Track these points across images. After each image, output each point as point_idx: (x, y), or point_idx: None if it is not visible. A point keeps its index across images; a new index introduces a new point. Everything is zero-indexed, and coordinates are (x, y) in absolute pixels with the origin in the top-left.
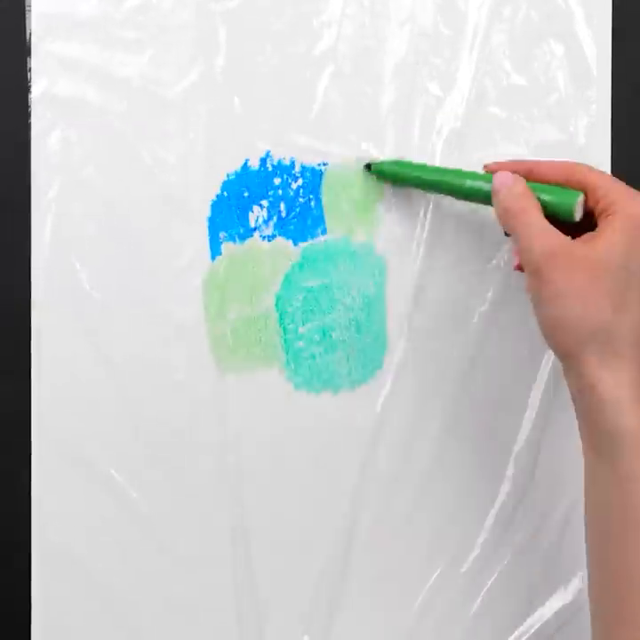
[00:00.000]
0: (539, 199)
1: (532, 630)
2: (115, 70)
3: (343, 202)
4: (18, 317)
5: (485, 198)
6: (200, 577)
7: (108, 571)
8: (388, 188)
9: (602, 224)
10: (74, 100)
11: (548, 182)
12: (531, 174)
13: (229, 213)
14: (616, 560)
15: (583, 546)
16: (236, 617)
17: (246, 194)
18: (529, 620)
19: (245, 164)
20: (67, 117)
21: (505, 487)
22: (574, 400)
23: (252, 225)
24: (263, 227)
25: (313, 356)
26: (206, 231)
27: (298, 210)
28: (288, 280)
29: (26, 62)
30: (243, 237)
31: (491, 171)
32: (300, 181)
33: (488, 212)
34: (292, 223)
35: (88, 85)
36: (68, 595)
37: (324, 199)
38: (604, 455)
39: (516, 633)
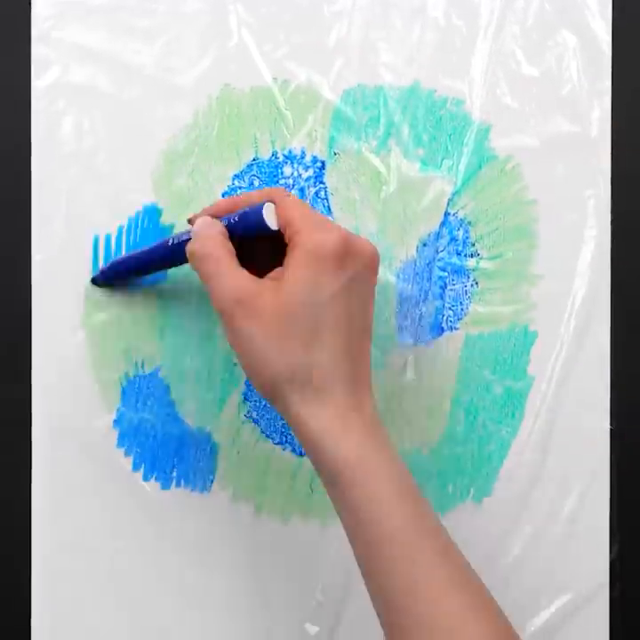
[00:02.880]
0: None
1: (541, 623)
2: (127, 58)
3: (353, 191)
4: (18, 317)
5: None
6: (207, 564)
7: (110, 567)
8: (395, 175)
9: (287, 258)
10: (86, 88)
11: None
12: (233, 211)
13: None
14: (368, 579)
15: (590, 540)
16: (246, 611)
17: (257, 183)
18: (536, 614)
19: (256, 153)
20: (79, 104)
21: (515, 480)
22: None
23: None
24: None
25: None
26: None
27: (308, 199)
28: None
29: (29, 56)
30: None
31: (193, 222)
32: (310, 171)
33: None
34: None
35: (100, 73)
36: (68, 594)
37: (334, 188)
38: (329, 486)
39: (524, 626)
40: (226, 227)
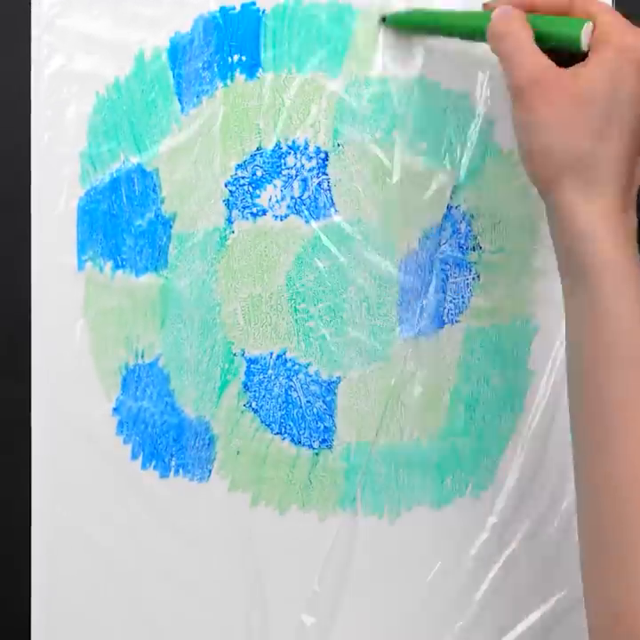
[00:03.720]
0: (543, 30)
1: (537, 619)
2: (131, 46)
3: (356, 182)
4: (17, 317)
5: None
6: (205, 553)
7: (109, 559)
8: (398, 167)
9: (592, 54)
10: (90, 76)
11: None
12: (533, 8)
13: (243, 192)
14: (589, 399)
15: None
16: (243, 601)
17: (260, 173)
18: (533, 610)
19: (260, 143)
20: (82, 93)
21: (514, 474)
22: (553, 236)
23: (265, 204)
24: (276, 206)
25: (323, 337)
26: (219, 210)
27: (311, 190)
28: (299, 260)
29: (29, 48)
30: (255, 216)
31: (489, 8)
32: (313, 162)
33: None
34: (304, 203)
35: (105, 61)
36: (68, 593)
37: (337, 180)
38: (579, 290)
39: (525, 619)
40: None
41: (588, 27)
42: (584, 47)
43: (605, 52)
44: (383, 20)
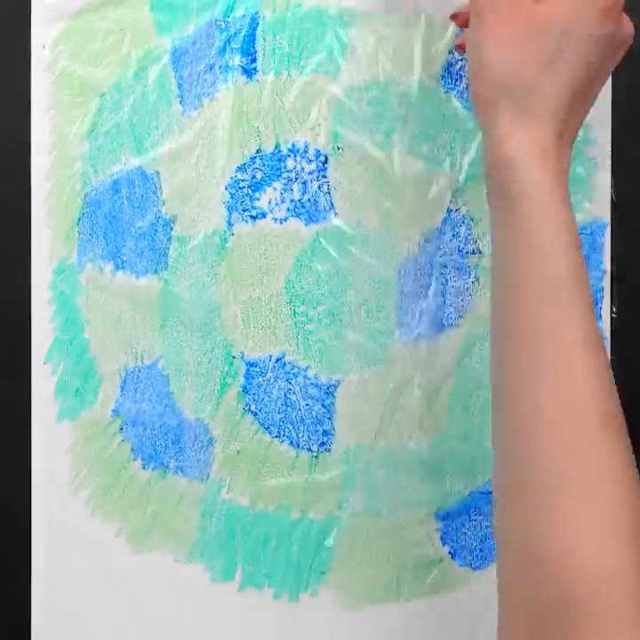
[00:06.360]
0: None
1: None
2: (133, 48)
3: (356, 186)
4: (18, 317)
5: None
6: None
7: (109, 561)
8: (398, 171)
9: None
10: (92, 78)
11: None
12: None
13: (243, 195)
14: (510, 317)
15: None
16: (242, 595)
17: (260, 176)
18: None
19: (260, 146)
20: (84, 94)
21: None
22: (485, 160)
23: (265, 207)
24: (275, 209)
25: (322, 340)
26: (220, 212)
27: (311, 193)
28: (299, 263)
29: (29, 55)
30: (255, 219)
31: None
32: (313, 165)
33: None
34: (304, 206)
35: (106, 63)
36: (68, 594)
37: (337, 183)
38: (504, 219)
39: None
40: None
41: None
42: None
43: None
44: None
